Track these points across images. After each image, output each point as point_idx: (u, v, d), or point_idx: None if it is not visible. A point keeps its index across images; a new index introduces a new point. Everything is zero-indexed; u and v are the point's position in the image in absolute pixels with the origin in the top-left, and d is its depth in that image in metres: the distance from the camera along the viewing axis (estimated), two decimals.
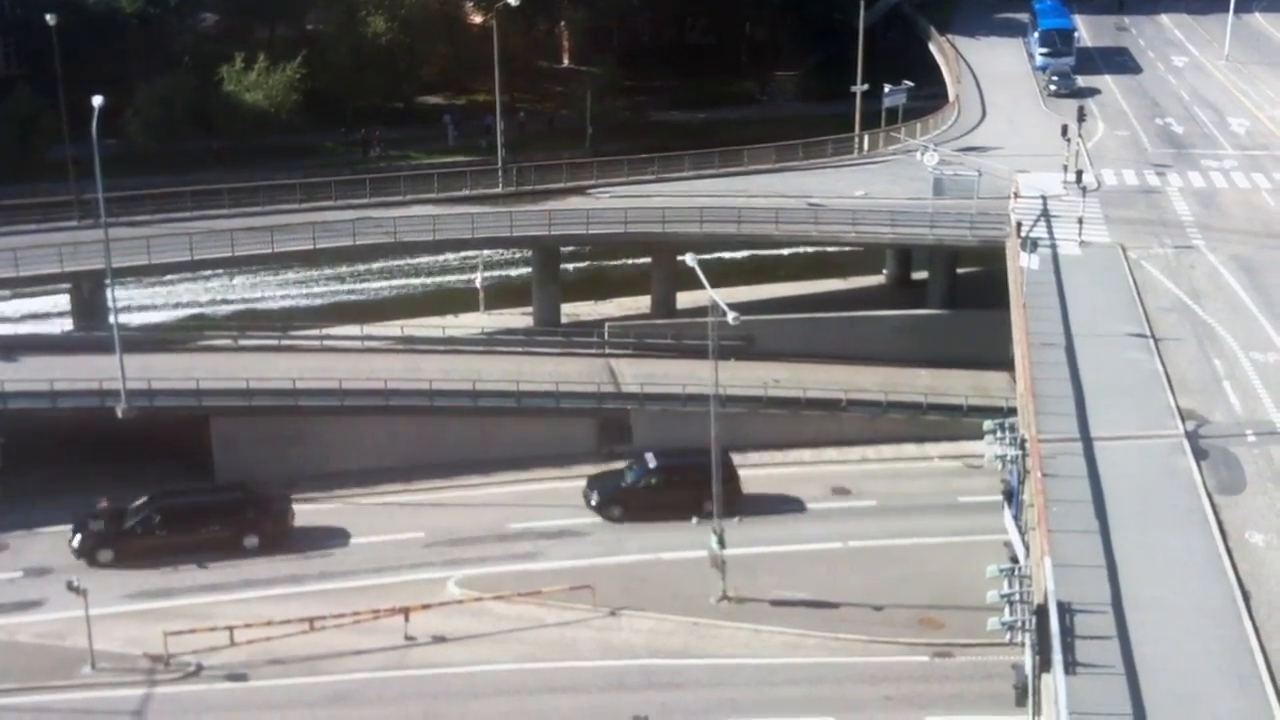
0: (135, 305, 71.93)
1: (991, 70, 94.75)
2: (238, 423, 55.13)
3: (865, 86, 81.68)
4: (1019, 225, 59.21)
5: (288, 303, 76.81)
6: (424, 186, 71.52)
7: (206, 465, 55.20)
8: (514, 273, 76.63)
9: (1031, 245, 51.18)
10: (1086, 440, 41.45)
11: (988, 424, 42.01)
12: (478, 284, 70.69)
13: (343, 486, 54.29)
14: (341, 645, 43.75)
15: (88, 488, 52.98)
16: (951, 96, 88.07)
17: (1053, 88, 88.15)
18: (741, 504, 50.51)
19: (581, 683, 42.16)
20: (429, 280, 79.44)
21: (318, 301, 77.27)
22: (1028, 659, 32.58)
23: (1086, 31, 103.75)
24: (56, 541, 50.17)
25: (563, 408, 57.11)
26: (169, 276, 72.62)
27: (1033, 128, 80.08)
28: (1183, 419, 43.12)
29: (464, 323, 68.46)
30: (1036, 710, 32.18)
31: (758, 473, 54.36)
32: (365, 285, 79.37)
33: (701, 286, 44.47)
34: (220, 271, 74.36)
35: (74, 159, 68.08)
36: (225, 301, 76.98)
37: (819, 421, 58.16)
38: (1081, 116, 70.80)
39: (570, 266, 76.91)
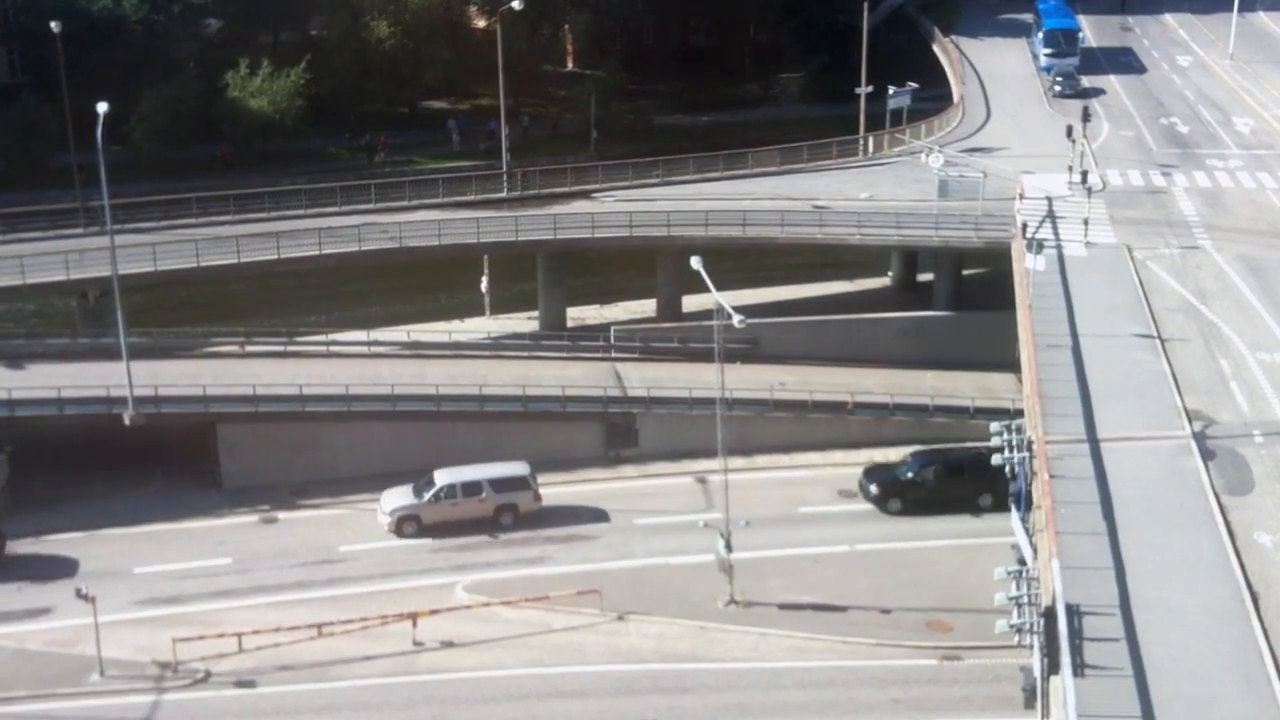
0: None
1: (996, 71, 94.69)
2: (245, 429, 55.17)
3: (869, 88, 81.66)
4: (1024, 226, 59.16)
5: None
6: (429, 191, 71.56)
7: (214, 472, 55.28)
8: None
9: (1037, 246, 51.16)
10: (1093, 441, 41.37)
11: (994, 426, 42.02)
12: (483, 289, 70.71)
13: (350, 492, 54.33)
14: (349, 651, 43.78)
15: (95, 495, 53.21)
16: (956, 98, 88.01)
17: (1057, 88, 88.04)
18: None
19: (589, 687, 42.14)
20: None
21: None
22: (1036, 661, 32.52)
23: (1091, 32, 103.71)
24: (63, 548, 50.26)
25: (569, 412, 57.17)
26: None
27: (1037, 129, 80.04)
28: (1190, 420, 43.02)
29: (470, 327, 68.45)
30: (1045, 713, 32.13)
31: (762, 476, 54.35)
32: None
33: (707, 290, 44.48)
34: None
35: (79, 166, 68.33)
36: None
37: (825, 424, 58.11)
38: (1086, 117, 70.78)
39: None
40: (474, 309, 71.13)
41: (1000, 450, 40.46)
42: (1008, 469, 40.59)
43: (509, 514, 51.86)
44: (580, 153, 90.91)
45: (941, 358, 62.22)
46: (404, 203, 70.30)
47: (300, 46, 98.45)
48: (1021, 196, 65.33)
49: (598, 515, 52.71)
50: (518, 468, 52.86)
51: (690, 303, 66.41)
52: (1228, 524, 37.26)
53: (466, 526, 51.42)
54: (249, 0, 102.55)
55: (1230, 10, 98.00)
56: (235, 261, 61.93)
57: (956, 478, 52.23)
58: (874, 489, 52.85)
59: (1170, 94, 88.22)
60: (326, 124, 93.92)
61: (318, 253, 63.30)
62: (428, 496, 51.49)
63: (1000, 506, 50.80)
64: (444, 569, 48.99)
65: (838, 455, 57.27)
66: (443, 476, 51.92)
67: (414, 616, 44.26)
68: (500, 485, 52.00)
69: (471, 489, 51.71)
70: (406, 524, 51.28)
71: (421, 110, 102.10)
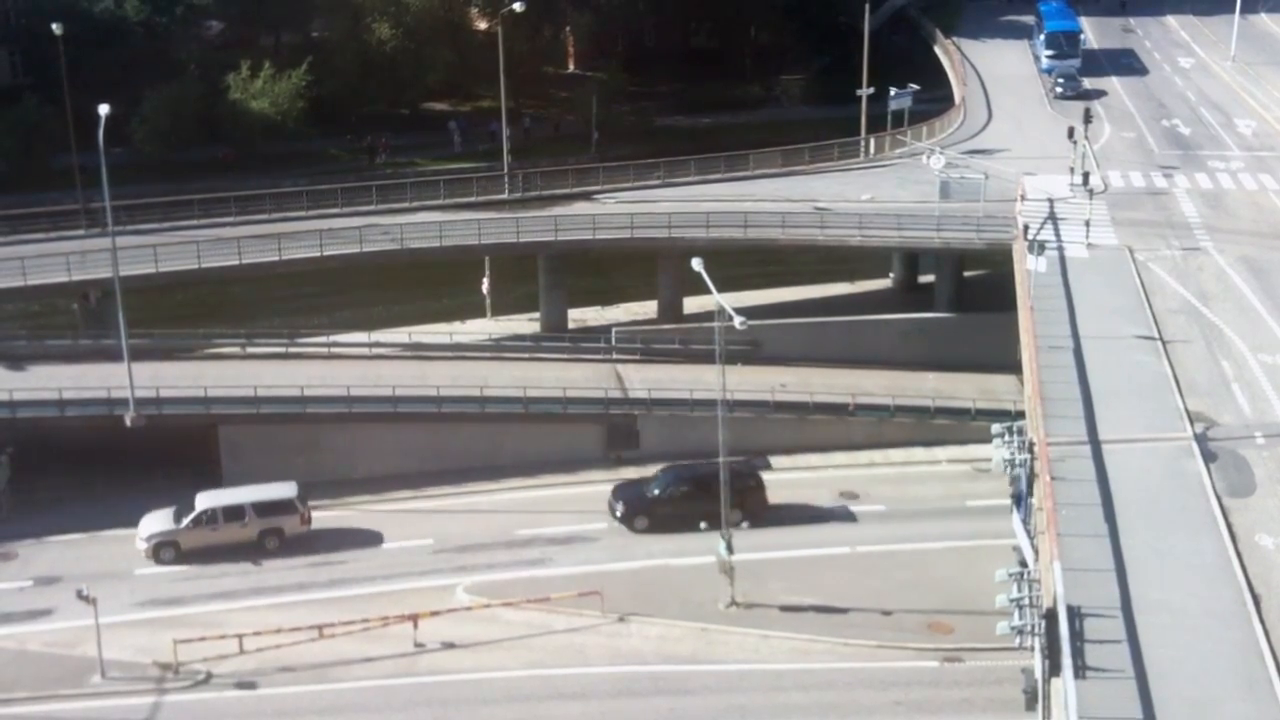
0: None
1: (997, 73, 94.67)
2: (246, 430, 55.17)
3: (871, 90, 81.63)
4: (1026, 228, 59.19)
5: None
6: (430, 193, 71.57)
7: (215, 473, 55.26)
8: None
9: (1038, 248, 51.15)
10: (1095, 443, 41.35)
11: (996, 427, 42.01)
12: (485, 290, 70.72)
13: (351, 493, 54.32)
14: (350, 652, 43.78)
15: (96, 496, 53.19)
16: (957, 99, 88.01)
17: (1059, 90, 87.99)
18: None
19: (590, 689, 42.13)
20: None
21: None
22: (1037, 663, 32.50)
23: (1092, 33, 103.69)
24: (65, 550, 50.38)
25: (570, 413, 57.15)
26: None
27: (1039, 130, 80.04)
28: (1191, 421, 43.00)
29: (471, 329, 68.47)
30: (1046, 715, 32.08)
31: (762, 477, 54.30)
32: None
33: (708, 291, 44.48)
34: None
35: (81, 167, 68.36)
36: None
37: (827, 426, 58.11)
38: (1088, 118, 70.68)
39: None
40: (475, 310, 71.13)
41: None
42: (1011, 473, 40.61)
43: (274, 538, 50.06)
44: (581, 154, 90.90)
45: (943, 359, 62.21)
46: (405, 204, 70.30)
47: (301, 48, 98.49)
48: (1023, 198, 65.33)
49: (598, 516, 52.61)
50: (284, 490, 50.96)
51: (691, 304, 66.44)
52: (1229, 526, 37.23)
53: (229, 552, 49.88)
54: (250, 2, 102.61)
55: (1232, 12, 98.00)
56: (237, 263, 61.97)
57: (706, 494, 49.77)
58: (620, 507, 51.26)
59: (1172, 95, 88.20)
60: (328, 126, 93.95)
61: (319, 254, 63.33)
62: (186, 521, 49.72)
63: (751, 523, 50.47)
64: (445, 570, 48.98)
65: (839, 457, 57.32)
66: (204, 500, 50.25)
67: (415, 618, 44.23)
68: (264, 509, 50.14)
69: (233, 513, 49.81)
70: (164, 550, 49.25)
71: (423, 112, 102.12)
